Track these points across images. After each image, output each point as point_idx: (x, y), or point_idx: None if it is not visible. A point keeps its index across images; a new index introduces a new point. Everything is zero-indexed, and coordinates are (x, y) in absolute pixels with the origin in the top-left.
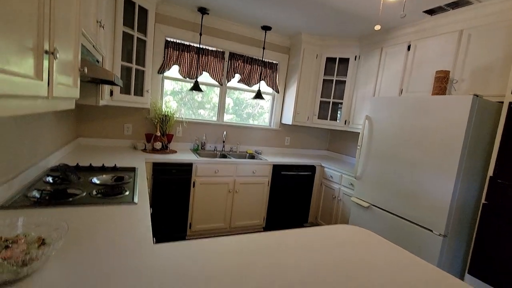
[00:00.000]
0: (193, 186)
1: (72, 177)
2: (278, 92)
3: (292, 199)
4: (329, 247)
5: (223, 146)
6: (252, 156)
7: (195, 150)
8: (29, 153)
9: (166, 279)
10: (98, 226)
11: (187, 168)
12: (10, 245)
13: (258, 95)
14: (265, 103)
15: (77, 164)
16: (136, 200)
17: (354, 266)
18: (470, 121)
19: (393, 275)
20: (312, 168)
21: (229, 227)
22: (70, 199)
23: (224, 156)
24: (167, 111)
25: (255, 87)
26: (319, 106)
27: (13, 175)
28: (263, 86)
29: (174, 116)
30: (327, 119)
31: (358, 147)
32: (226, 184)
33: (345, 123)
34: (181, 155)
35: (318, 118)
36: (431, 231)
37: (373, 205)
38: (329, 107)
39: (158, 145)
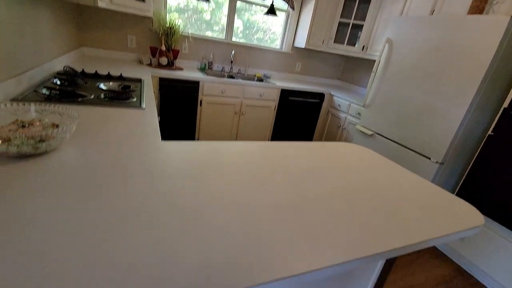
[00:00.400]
0: (200, 104)
1: (78, 81)
2: (293, 8)
3: (297, 125)
4: (328, 156)
5: (231, 68)
6: (260, 80)
7: (202, 69)
8: (32, 52)
9: (172, 169)
10: (107, 123)
11: (194, 86)
12: (27, 126)
13: (271, 10)
14: (278, 28)
15: (83, 69)
16: (143, 105)
17: (348, 169)
18: (501, 45)
19: (387, 182)
20: (320, 96)
21: None
22: (79, 99)
23: (231, 77)
24: (172, 23)
25: (269, 1)
26: (337, 28)
27: (19, 71)
28: (278, 0)
29: (180, 30)
30: (343, 44)
31: (373, 73)
32: (232, 105)
33: (362, 49)
34: (188, 72)
35: (334, 42)
36: (429, 158)
37: (377, 133)
38: (348, 30)
39: (164, 60)
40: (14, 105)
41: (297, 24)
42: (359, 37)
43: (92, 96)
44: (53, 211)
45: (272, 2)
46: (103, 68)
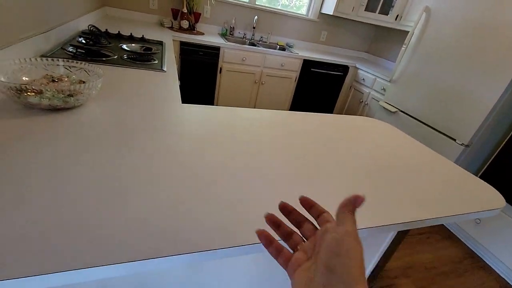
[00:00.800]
0: (220, 72)
1: (102, 40)
2: None
3: (317, 98)
4: (348, 128)
5: (253, 34)
6: (282, 48)
7: (223, 35)
8: (58, 9)
9: (189, 131)
10: (130, 84)
11: (214, 52)
12: (57, 80)
13: None
14: None
15: (106, 30)
16: (165, 68)
17: (368, 143)
18: None
19: (405, 158)
20: (344, 69)
21: None
22: (104, 58)
23: (253, 44)
24: None
25: None
26: None
27: (47, 28)
28: None
29: None
30: (375, 12)
31: (404, 46)
32: (252, 74)
33: (396, 19)
34: (209, 37)
35: (365, 9)
36: (454, 140)
37: (401, 111)
38: None
39: (185, 24)
40: (44, 60)
41: None
42: (394, 4)
43: (116, 57)
44: (79, 157)
45: None
46: (126, 29)
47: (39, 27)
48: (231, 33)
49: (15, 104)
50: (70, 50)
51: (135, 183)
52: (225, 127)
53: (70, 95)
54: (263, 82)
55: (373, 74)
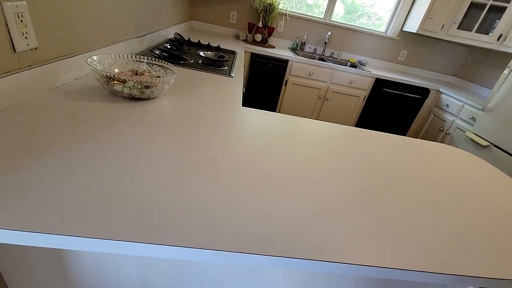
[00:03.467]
0: (285, 84)
1: (184, 47)
2: None
3: (388, 121)
4: (423, 154)
5: (324, 50)
6: (353, 66)
7: (293, 49)
8: (153, 19)
9: (246, 133)
10: (200, 84)
11: (282, 64)
12: (139, 74)
13: None
14: (386, 13)
15: (189, 38)
16: (233, 74)
17: (448, 175)
18: None
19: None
20: (424, 92)
21: None
22: (182, 62)
23: (322, 59)
24: (273, 0)
25: None
26: (465, 10)
27: (142, 33)
28: None
29: (279, 7)
30: (471, 31)
31: (507, 70)
32: (318, 89)
33: (498, 39)
34: (279, 50)
35: (458, 28)
36: None
37: (495, 145)
38: (481, 14)
39: (258, 37)
40: (133, 57)
41: (412, 5)
42: (496, 23)
43: (192, 61)
44: (149, 142)
45: None
46: (205, 39)
47: (136, 32)
48: (302, 47)
49: (104, 90)
50: (157, 52)
51: (189, 174)
52: (283, 134)
53: (147, 87)
54: (328, 98)
55: (460, 101)
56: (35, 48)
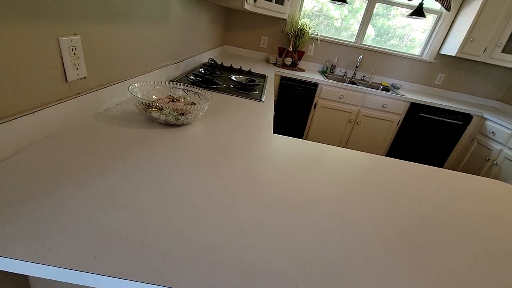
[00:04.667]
0: (314, 107)
1: (217, 72)
2: (449, 9)
3: (424, 147)
4: (471, 193)
5: (355, 73)
6: (386, 89)
7: (323, 72)
8: (190, 46)
9: (277, 161)
10: (231, 109)
11: (312, 87)
12: (175, 100)
13: (418, 12)
14: (418, 34)
15: (222, 63)
16: (263, 99)
17: (502, 221)
18: None
19: None
20: (465, 117)
21: None
22: (214, 86)
23: (353, 83)
24: (303, 25)
25: (416, 1)
26: (510, 33)
27: (179, 60)
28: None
29: (310, 31)
30: None
31: None
32: (348, 113)
33: None
34: (309, 74)
35: (502, 51)
36: None
37: None
38: None
39: (288, 61)
40: (170, 83)
41: (449, 28)
42: None
43: (224, 85)
44: (181, 168)
45: (422, 1)
46: (237, 63)
47: (173, 59)
48: (332, 71)
49: (142, 116)
50: (191, 77)
51: (220, 209)
52: (317, 165)
53: (182, 114)
54: (359, 122)
55: (509, 128)
56: (84, 78)
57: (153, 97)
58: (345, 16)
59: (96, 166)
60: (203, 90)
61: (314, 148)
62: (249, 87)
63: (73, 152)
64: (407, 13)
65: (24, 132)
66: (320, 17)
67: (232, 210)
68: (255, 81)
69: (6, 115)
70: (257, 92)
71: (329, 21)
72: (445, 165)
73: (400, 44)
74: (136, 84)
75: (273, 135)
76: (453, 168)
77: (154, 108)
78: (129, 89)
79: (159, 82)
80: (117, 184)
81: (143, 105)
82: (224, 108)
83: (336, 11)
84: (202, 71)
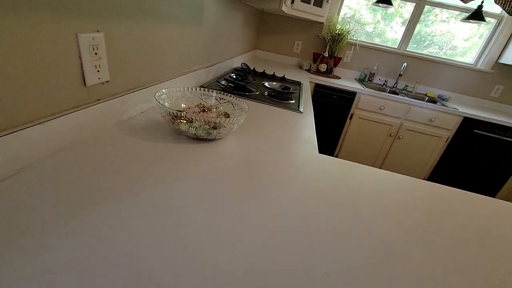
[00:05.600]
0: (350, 118)
1: (249, 77)
2: (510, 13)
3: (476, 169)
4: None
5: (396, 82)
6: (433, 101)
7: (361, 80)
8: (222, 49)
9: (322, 189)
10: (267, 121)
11: (349, 97)
12: (206, 110)
13: (477, 15)
14: (460, 42)
15: (254, 68)
16: (301, 109)
17: None
18: None
19: None
20: None
21: None
22: (247, 93)
23: (394, 93)
24: (341, 29)
25: (473, 3)
26: None
27: (210, 64)
28: (489, 2)
29: (349, 36)
30: None
31: None
32: (389, 126)
33: None
34: (345, 82)
35: None
36: None
37: None
38: None
39: (323, 67)
40: (201, 90)
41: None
42: None
43: (258, 92)
44: (214, 202)
45: (482, 3)
46: (270, 68)
47: (204, 63)
48: (370, 79)
49: (169, 128)
50: (223, 83)
51: (258, 260)
52: (374, 196)
53: (214, 128)
54: (401, 137)
55: None
56: (106, 82)
57: (182, 105)
58: (378, 21)
59: (116, 185)
60: (237, 98)
61: (372, 174)
62: (284, 95)
63: (85, 171)
64: (447, 19)
65: (30, 145)
66: (351, 23)
67: (272, 268)
68: (289, 88)
69: (8, 126)
70: (293, 101)
71: (360, 27)
72: (501, 191)
73: (439, 52)
74: (163, 90)
75: (319, 155)
76: (508, 197)
77: (183, 119)
78: (156, 96)
79: (188, 88)
80: (137, 219)
81: (170, 115)
82: (259, 120)
83: (369, 15)
84: (234, 77)
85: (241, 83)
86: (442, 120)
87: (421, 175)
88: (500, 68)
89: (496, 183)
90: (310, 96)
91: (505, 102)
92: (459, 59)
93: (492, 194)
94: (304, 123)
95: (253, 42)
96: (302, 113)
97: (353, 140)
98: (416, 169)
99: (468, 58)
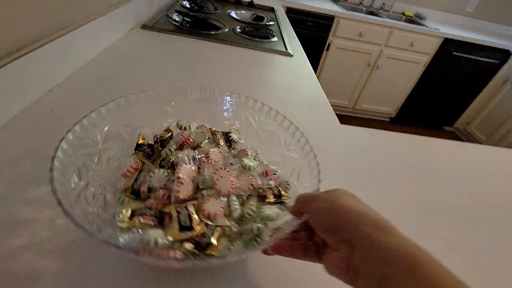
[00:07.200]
0: (327, 49)
1: (209, 5)
2: None
3: (446, 91)
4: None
5: (373, 0)
6: (410, 20)
7: (336, 1)
8: None
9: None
10: (253, 74)
11: (326, 23)
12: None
13: None
14: None
15: None
16: (290, 50)
17: None
18: None
19: None
20: (503, 55)
21: (352, 108)
22: (213, 32)
23: (372, 13)
24: None
25: None
26: None
27: None
28: None
29: None
30: None
31: None
32: (368, 54)
33: None
34: (319, 3)
35: None
36: None
37: None
38: None
39: None
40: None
41: None
42: None
43: (227, 30)
44: None
45: None
46: None
47: None
48: None
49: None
50: (176, 19)
51: None
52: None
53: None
54: (379, 66)
55: None
56: None
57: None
58: None
59: None
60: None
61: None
62: (261, 30)
63: None
64: None
65: None
66: None
67: None
68: (263, 18)
69: None
70: (276, 40)
71: None
72: (466, 110)
73: None
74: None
75: (341, 127)
76: (475, 112)
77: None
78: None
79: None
80: None
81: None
82: (241, 75)
83: None
84: (188, 6)
85: (201, 16)
86: (423, 43)
87: (394, 104)
88: None
89: (457, 106)
90: (292, 29)
91: (479, 17)
92: None
93: (452, 118)
94: (301, 73)
95: None
96: (292, 56)
97: (330, 75)
98: (390, 98)
99: None
